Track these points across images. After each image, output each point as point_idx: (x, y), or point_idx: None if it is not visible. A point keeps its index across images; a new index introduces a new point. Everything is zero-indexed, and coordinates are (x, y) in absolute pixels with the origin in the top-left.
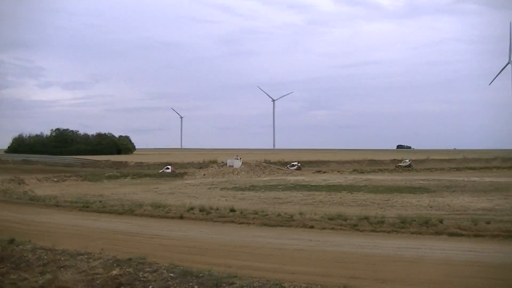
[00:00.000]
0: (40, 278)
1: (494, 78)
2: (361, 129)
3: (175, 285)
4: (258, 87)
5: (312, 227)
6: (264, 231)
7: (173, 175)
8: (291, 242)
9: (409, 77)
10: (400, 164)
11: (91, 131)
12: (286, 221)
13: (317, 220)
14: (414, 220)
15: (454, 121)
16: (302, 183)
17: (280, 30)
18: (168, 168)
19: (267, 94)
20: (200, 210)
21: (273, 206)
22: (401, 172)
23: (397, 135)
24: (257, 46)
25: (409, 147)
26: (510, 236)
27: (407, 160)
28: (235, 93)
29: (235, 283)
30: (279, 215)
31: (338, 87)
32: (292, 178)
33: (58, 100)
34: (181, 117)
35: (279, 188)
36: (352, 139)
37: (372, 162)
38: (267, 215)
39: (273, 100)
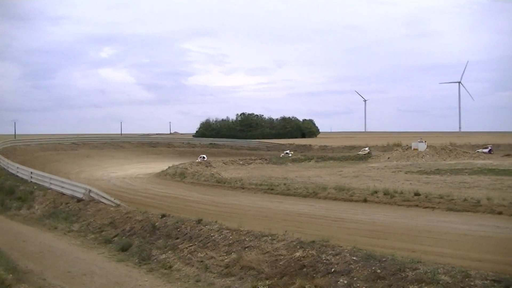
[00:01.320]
0: (226, 257)
1: None
2: None
3: (357, 268)
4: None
5: (500, 213)
6: (449, 216)
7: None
8: (477, 228)
9: None
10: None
11: (275, 115)
12: (473, 206)
13: (505, 206)
14: None
15: None
16: (490, 167)
17: (462, 8)
18: (287, 153)
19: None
20: (384, 194)
21: (459, 191)
22: None
23: None
24: (438, 26)
25: None
26: None
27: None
28: (416, 75)
29: (419, 269)
30: (465, 200)
31: None
32: (479, 162)
33: (242, 86)
34: (365, 100)
35: (465, 172)
36: None
37: None
38: (452, 199)
39: (459, 82)
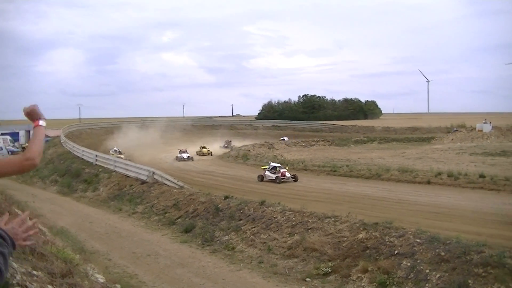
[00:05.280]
0: (289, 239)
1: None
2: None
3: (421, 251)
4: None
5: None
6: None
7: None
8: None
9: None
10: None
11: (338, 96)
12: None
13: None
14: None
15: None
16: None
17: None
18: (283, 139)
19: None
20: (448, 176)
21: None
22: None
23: None
24: (502, 5)
25: None
26: None
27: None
28: (481, 55)
29: (484, 252)
30: None
31: None
32: None
33: (304, 67)
34: (428, 81)
35: None
36: None
37: None
38: None
39: None
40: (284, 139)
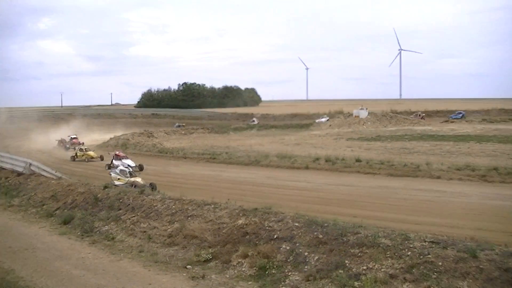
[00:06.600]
0: (169, 227)
1: None
2: (492, 77)
3: (300, 234)
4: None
5: (439, 177)
6: (390, 182)
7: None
8: (417, 192)
9: None
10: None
11: (218, 84)
12: (413, 172)
13: (444, 171)
14: None
15: None
16: (429, 133)
17: None
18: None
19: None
20: (326, 161)
21: (399, 157)
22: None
23: None
24: None
25: None
26: None
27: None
28: (360, 43)
29: (360, 233)
30: (405, 165)
31: (466, 34)
32: (419, 128)
33: (184, 55)
34: (307, 68)
35: (406, 138)
36: (482, 88)
37: (503, 111)
38: (393, 165)
39: (400, 50)
40: (178, 125)
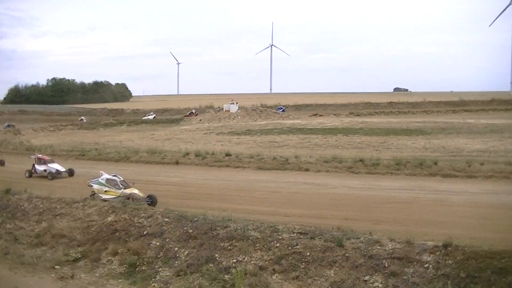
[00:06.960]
0: (36, 227)
1: (495, 20)
2: (359, 72)
3: (169, 229)
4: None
5: (307, 170)
6: (260, 175)
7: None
8: (286, 185)
9: (407, 18)
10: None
11: (88, 79)
12: (282, 165)
13: (312, 163)
14: (409, 162)
15: (452, 63)
16: (298, 127)
17: None
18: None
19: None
20: (196, 155)
21: (268, 150)
22: (397, 114)
23: (395, 78)
24: None
25: (406, 90)
26: (504, 177)
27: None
28: (231, 38)
29: (229, 226)
30: (274, 158)
31: (336, 30)
32: (288, 122)
33: (53, 50)
34: (178, 63)
35: (275, 132)
36: (350, 82)
37: (369, 104)
38: (262, 158)
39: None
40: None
